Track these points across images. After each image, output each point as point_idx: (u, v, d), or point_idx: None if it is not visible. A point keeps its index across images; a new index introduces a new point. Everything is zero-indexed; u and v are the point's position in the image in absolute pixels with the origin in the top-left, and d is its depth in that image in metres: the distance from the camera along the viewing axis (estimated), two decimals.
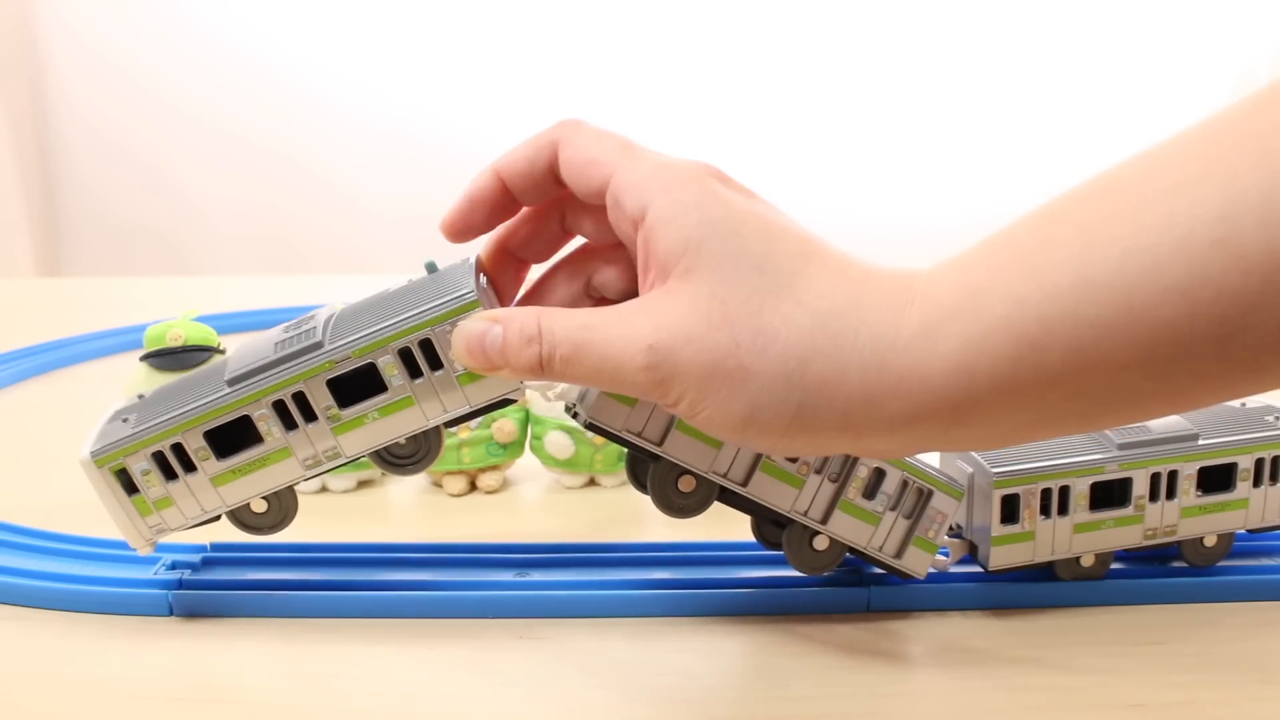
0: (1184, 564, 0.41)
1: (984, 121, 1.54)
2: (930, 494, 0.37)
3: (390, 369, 0.34)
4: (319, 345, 0.34)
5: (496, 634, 0.37)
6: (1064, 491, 0.39)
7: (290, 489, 0.36)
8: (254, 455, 0.35)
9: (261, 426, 0.34)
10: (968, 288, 0.28)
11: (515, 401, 0.35)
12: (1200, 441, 0.39)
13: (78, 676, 0.34)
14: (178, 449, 0.34)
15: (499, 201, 0.35)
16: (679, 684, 0.34)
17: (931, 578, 0.40)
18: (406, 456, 0.36)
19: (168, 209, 1.72)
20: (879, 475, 0.37)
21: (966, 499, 0.39)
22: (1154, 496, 0.39)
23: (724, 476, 0.36)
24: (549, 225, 0.36)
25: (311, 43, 1.65)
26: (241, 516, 0.36)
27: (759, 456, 0.36)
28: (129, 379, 0.50)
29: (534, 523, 0.41)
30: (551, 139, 0.34)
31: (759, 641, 0.37)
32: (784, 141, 1.64)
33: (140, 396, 0.38)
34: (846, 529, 0.37)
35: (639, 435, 0.35)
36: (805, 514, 0.37)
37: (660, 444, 0.35)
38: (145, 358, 0.49)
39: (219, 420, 0.34)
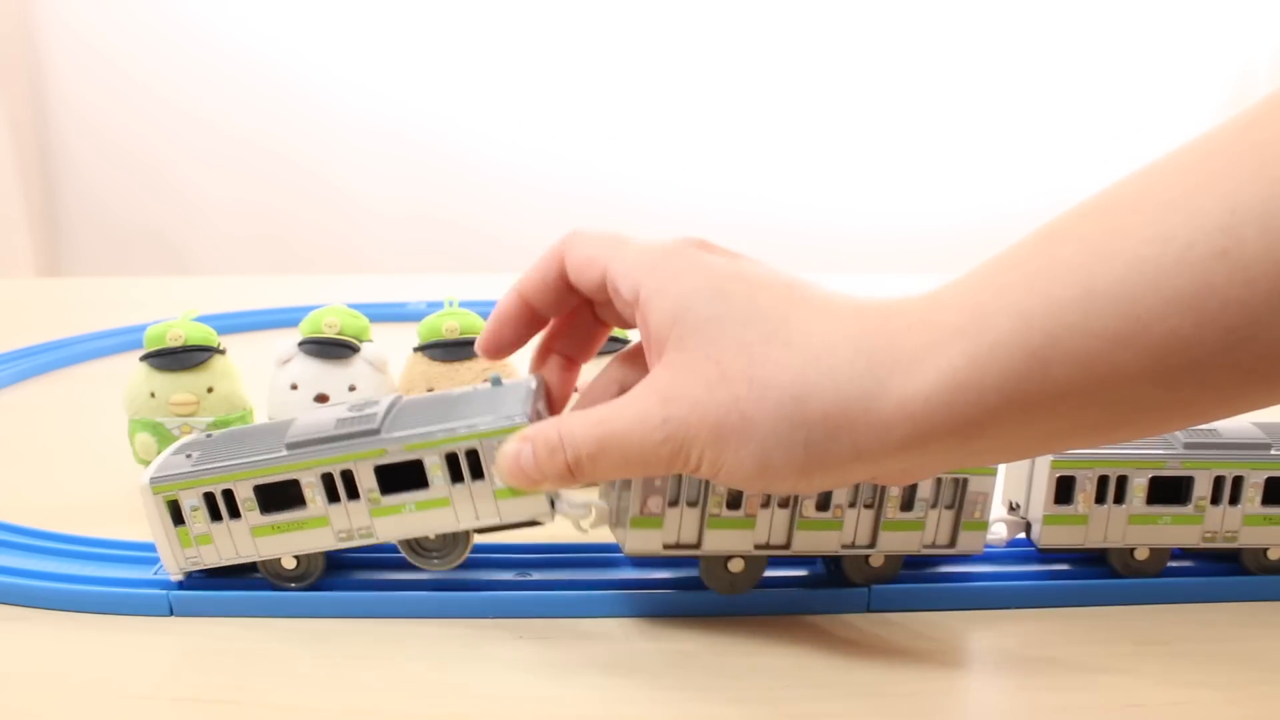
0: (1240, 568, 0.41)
1: (985, 122, 1.54)
2: (965, 480, 0.38)
3: (435, 469, 0.36)
4: (375, 432, 0.36)
5: (496, 634, 0.37)
6: (1122, 481, 0.39)
7: (321, 554, 0.38)
8: (294, 517, 0.37)
9: (307, 493, 0.37)
10: (971, 308, 0.29)
11: (542, 524, 0.37)
12: (1272, 451, 0.39)
13: (78, 677, 0.34)
14: (228, 495, 0.37)
15: (525, 317, 0.38)
16: (679, 684, 0.34)
17: (934, 577, 0.40)
18: (433, 551, 0.38)
19: (168, 209, 1.72)
20: (911, 487, 0.37)
21: (1027, 479, 0.40)
22: (1216, 499, 0.39)
23: (767, 547, 0.37)
24: (583, 323, 0.39)
25: (311, 43, 1.65)
26: (270, 567, 0.38)
27: (793, 518, 0.37)
28: (129, 379, 0.50)
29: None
30: (558, 251, 0.36)
31: (759, 641, 0.37)
32: (786, 143, 1.64)
33: (208, 435, 0.41)
34: (897, 543, 0.38)
35: (677, 546, 0.37)
36: (853, 546, 0.38)
37: (699, 545, 0.37)
38: (145, 358, 0.49)
39: (270, 478, 0.37)
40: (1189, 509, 0.39)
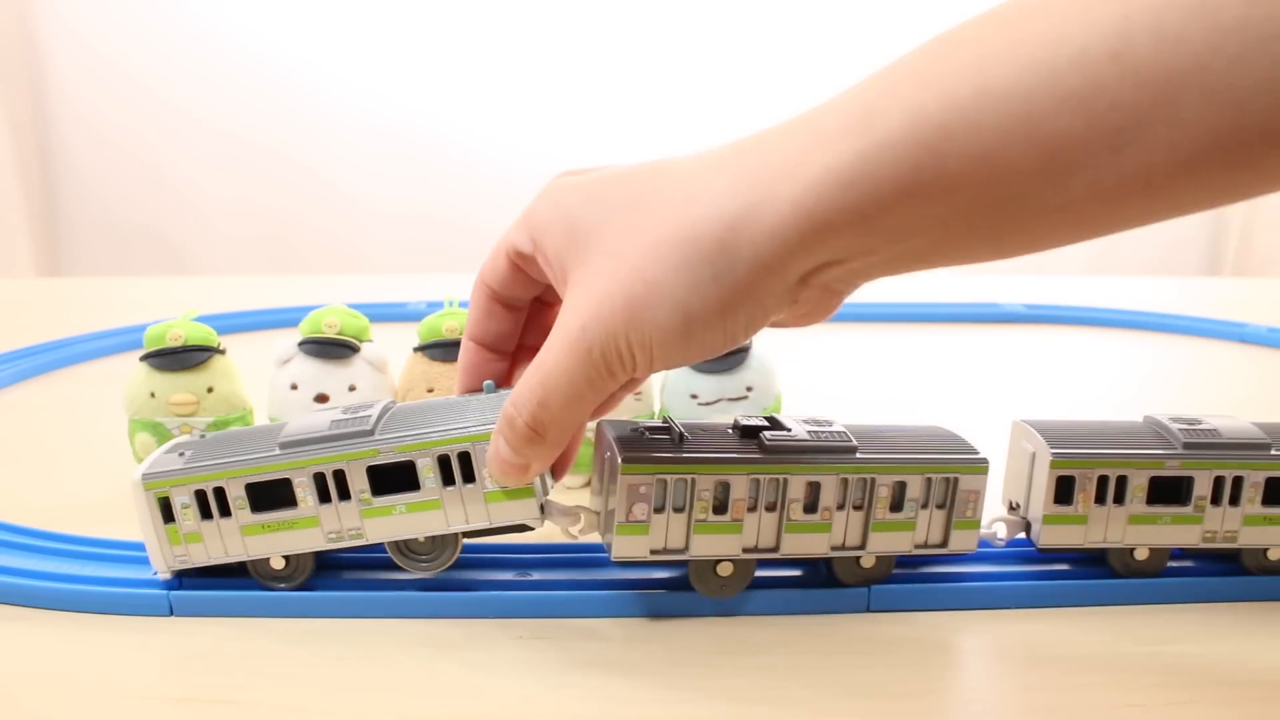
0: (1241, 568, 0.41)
1: None
2: (957, 480, 0.38)
3: (427, 470, 0.36)
4: (369, 433, 0.36)
5: (496, 634, 0.37)
6: (1121, 481, 0.39)
7: (311, 554, 0.38)
8: (284, 516, 0.37)
9: (299, 492, 0.37)
10: (857, 109, 0.29)
11: (532, 529, 0.38)
12: (1272, 452, 0.39)
13: (78, 676, 0.34)
14: (219, 492, 0.37)
15: (486, 360, 0.39)
16: (678, 684, 0.34)
17: (934, 577, 0.40)
18: (422, 554, 0.38)
19: (168, 209, 1.72)
20: (900, 487, 0.37)
21: (1026, 479, 0.40)
22: (1216, 499, 0.39)
23: (755, 550, 0.37)
24: (540, 319, 0.40)
25: (311, 43, 1.65)
26: (258, 567, 0.38)
27: (781, 521, 0.37)
28: (129, 379, 0.50)
29: None
30: (479, 282, 0.38)
31: (758, 641, 0.37)
32: None
33: (203, 435, 0.41)
34: (888, 543, 0.38)
35: (665, 551, 0.37)
36: (843, 548, 0.38)
37: (686, 550, 0.37)
38: (145, 358, 0.49)
39: (261, 476, 0.37)
40: (1189, 509, 0.39)
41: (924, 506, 0.38)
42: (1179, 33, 0.25)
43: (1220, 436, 0.39)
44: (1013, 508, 0.41)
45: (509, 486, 0.36)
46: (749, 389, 0.50)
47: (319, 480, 0.36)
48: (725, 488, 0.36)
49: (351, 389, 0.49)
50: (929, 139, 0.27)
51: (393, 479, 0.37)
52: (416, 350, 0.51)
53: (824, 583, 0.39)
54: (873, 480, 0.37)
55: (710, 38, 1.64)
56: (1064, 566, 0.41)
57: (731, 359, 0.49)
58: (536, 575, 0.40)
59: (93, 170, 1.70)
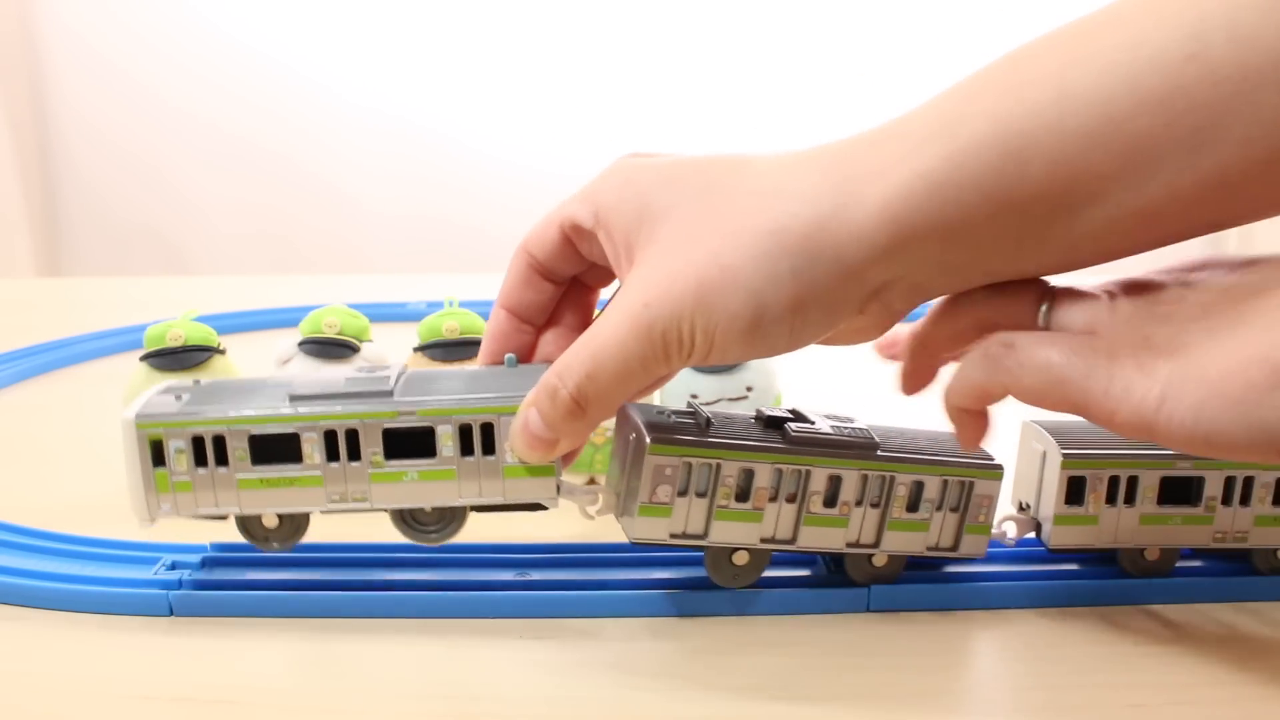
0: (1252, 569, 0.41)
1: None
2: (972, 484, 0.38)
3: (446, 438, 0.35)
4: (389, 394, 0.35)
5: (497, 633, 0.37)
6: (1132, 481, 0.39)
7: (306, 515, 0.36)
8: (287, 473, 0.35)
9: (306, 449, 0.35)
10: (941, 116, 0.29)
11: (546, 509, 0.36)
12: None
13: (78, 677, 0.34)
14: (219, 441, 0.35)
15: (514, 329, 0.38)
16: (678, 684, 0.34)
17: (934, 578, 0.40)
18: (427, 525, 0.37)
19: (168, 209, 1.72)
20: (918, 487, 0.37)
21: (1037, 478, 0.40)
22: (1227, 500, 0.39)
23: (773, 541, 0.37)
24: (574, 299, 0.39)
25: (311, 43, 1.65)
26: (250, 525, 0.36)
27: (800, 513, 0.37)
28: (129, 379, 0.50)
29: (534, 523, 0.42)
30: (521, 249, 0.37)
31: (759, 641, 0.37)
32: (785, 143, 1.64)
33: (196, 382, 0.38)
34: (901, 543, 0.38)
35: (684, 535, 0.36)
36: (858, 545, 0.38)
37: (706, 536, 0.36)
38: (145, 358, 0.49)
39: (270, 429, 0.35)
40: (1200, 509, 0.39)
41: (939, 509, 0.38)
42: (1253, 32, 0.25)
43: None
44: (1022, 508, 0.41)
45: (532, 462, 0.34)
46: (749, 389, 0.50)
47: (329, 438, 0.35)
48: (749, 475, 0.36)
49: None
50: (1012, 144, 0.28)
51: (407, 444, 0.35)
52: (416, 350, 0.51)
53: (825, 582, 0.39)
54: (892, 478, 0.37)
55: (711, 37, 1.64)
56: (1069, 566, 0.41)
57: None
58: (536, 575, 0.40)
59: (93, 170, 1.70)
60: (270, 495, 0.35)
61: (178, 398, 0.36)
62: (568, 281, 0.38)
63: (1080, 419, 0.41)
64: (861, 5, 1.63)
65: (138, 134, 1.68)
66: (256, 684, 0.34)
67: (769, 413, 0.38)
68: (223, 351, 0.50)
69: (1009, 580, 0.40)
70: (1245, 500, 0.39)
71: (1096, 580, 0.40)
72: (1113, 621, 0.38)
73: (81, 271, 1.73)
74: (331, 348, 0.49)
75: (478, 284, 0.88)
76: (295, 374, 0.48)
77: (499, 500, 0.36)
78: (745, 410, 0.49)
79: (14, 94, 1.61)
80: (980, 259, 0.30)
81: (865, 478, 0.37)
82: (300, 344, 0.50)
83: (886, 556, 0.39)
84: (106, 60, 1.65)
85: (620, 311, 0.31)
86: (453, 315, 0.51)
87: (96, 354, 0.75)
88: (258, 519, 0.36)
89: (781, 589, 0.39)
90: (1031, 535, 0.41)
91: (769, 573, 0.39)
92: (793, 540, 0.37)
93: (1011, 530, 0.40)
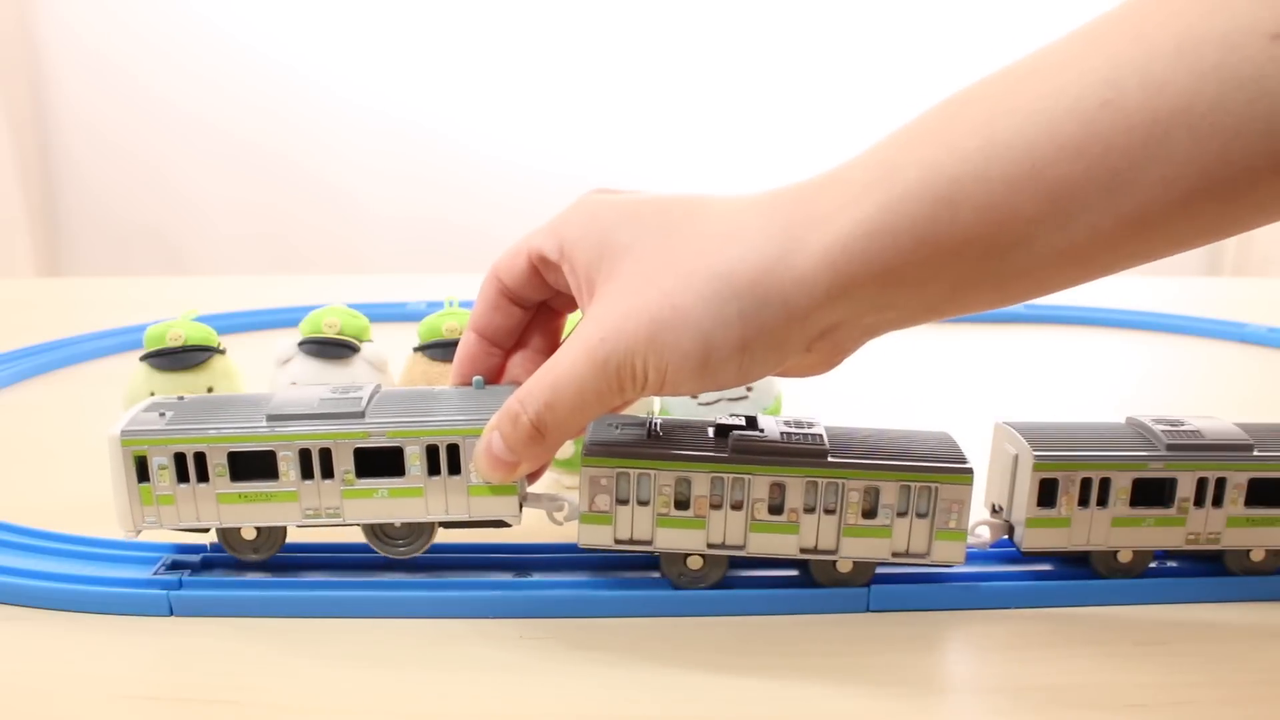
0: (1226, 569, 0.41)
1: None
2: (937, 489, 0.37)
3: (414, 458, 0.37)
4: (360, 415, 0.37)
5: (497, 634, 0.37)
6: (1105, 483, 0.39)
7: (283, 528, 0.38)
8: (263, 488, 0.37)
9: (282, 466, 0.37)
10: (880, 164, 0.31)
11: (510, 526, 0.38)
12: (1255, 453, 0.39)
13: (77, 676, 0.34)
14: (200, 457, 0.37)
15: (485, 352, 0.40)
16: (678, 683, 0.34)
17: (935, 577, 0.40)
18: (397, 539, 0.39)
19: (168, 209, 1.72)
20: (874, 493, 0.37)
21: (1010, 481, 0.40)
22: (1199, 501, 0.39)
23: (722, 547, 0.37)
24: (542, 323, 0.41)
25: (311, 43, 1.65)
26: (229, 537, 0.38)
27: (747, 520, 0.37)
28: (129, 379, 0.50)
29: (534, 523, 0.42)
30: (491, 275, 0.39)
31: (759, 641, 0.37)
32: (785, 142, 1.64)
33: (180, 398, 0.40)
34: (861, 549, 0.38)
35: (631, 541, 0.37)
36: (816, 550, 0.38)
37: (652, 542, 0.37)
38: (145, 358, 0.49)
39: (247, 446, 0.37)
40: (1172, 511, 0.39)
41: (902, 515, 0.38)
42: (1163, 78, 0.27)
43: (1203, 438, 0.39)
44: (995, 510, 0.41)
45: (494, 482, 0.36)
46: (749, 388, 0.50)
47: (304, 456, 0.37)
48: (687, 484, 0.37)
49: None
50: (943, 191, 0.29)
51: (378, 462, 0.37)
52: (416, 350, 0.51)
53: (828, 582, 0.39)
54: (843, 484, 0.37)
55: (708, 40, 1.64)
56: (1046, 567, 0.41)
57: None
58: (537, 575, 0.40)
59: (93, 170, 1.70)
60: (248, 509, 0.37)
61: (161, 415, 0.38)
62: (535, 306, 0.40)
63: (1055, 419, 0.41)
64: (864, 9, 1.63)
65: (138, 134, 1.68)
66: (256, 684, 0.34)
67: (722, 421, 0.38)
68: (223, 351, 0.50)
69: (1008, 581, 0.40)
70: (1218, 502, 0.39)
71: (1094, 581, 0.40)
72: (1112, 621, 0.38)
73: (81, 271, 1.73)
74: (331, 348, 0.49)
75: (478, 284, 0.88)
76: (294, 377, 0.48)
77: (464, 517, 0.37)
78: (746, 409, 0.49)
79: (14, 94, 1.61)
80: (920, 298, 0.31)
81: (813, 484, 0.37)
82: (300, 344, 0.50)
83: (851, 563, 0.38)
84: (106, 60, 1.65)
85: (579, 344, 0.33)
86: (453, 315, 0.51)
87: (97, 354, 0.75)
88: (237, 531, 0.38)
89: (780, 589, 0.39)
90: (1006, 538, 0.40)
91: (768, 573, 0.39)
92: (742, 547, 0.37)
93: (985, 533, 0.40)
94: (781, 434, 0.37)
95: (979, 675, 0.35)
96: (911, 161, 0.30)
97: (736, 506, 0.37)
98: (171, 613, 0.37)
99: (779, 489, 0.37)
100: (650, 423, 0.38)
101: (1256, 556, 0.40)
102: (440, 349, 0.50)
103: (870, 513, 0.37)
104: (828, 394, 0.67)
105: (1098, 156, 0.27)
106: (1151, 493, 0.39)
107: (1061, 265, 0.30)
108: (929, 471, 0.37)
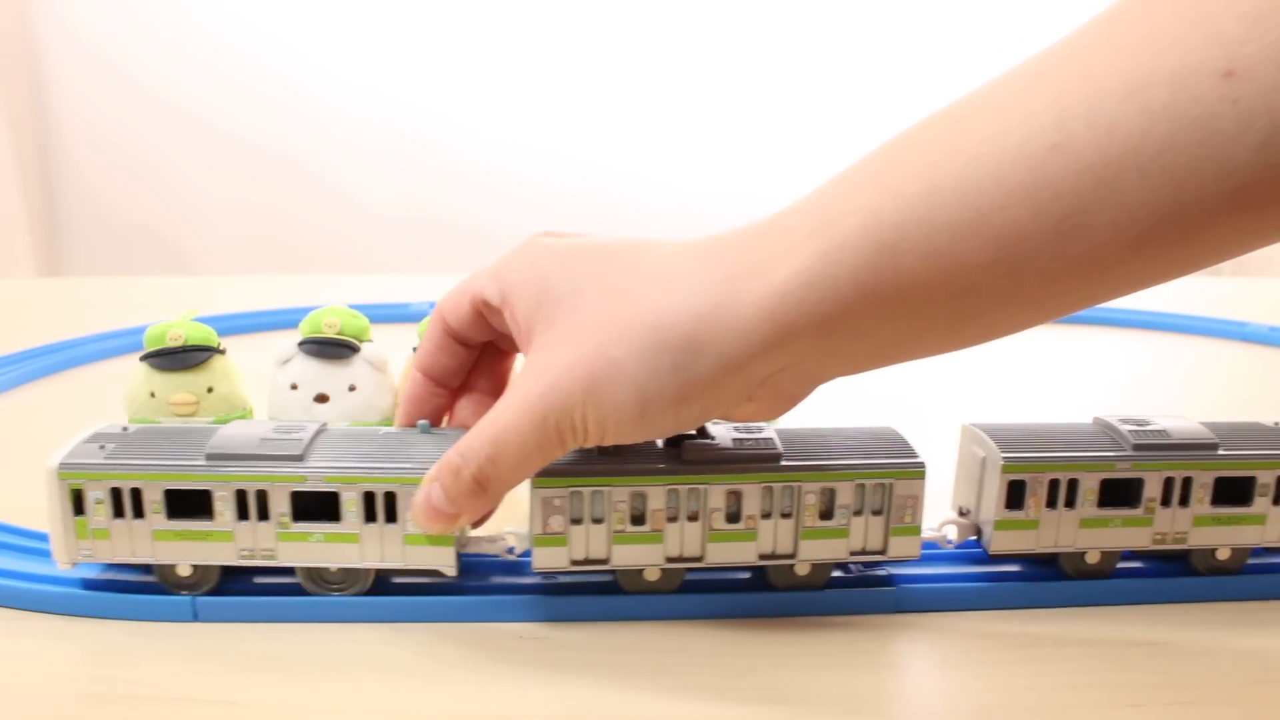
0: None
1: None
2: (892, 485, 0.37)
3: (350, 504, 0.36)
4: (299, 458, 0.36)
5: (498, 635, 0.37)
6: (1072, 484, 0.38)
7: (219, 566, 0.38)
8: (199, 527, 0.36)
9: (218, 506, 0.36)
10: (821, 211, 0.30)
11: (447, 577, 0.38)
12: (1220, 451, 0.39)
13: (76, 677, 0.34)
14: (135, 493, 0.36)
15: (432, 391, 0.40)
16: (679, 684, 0.34)
17: (952, 577, 0.40)
18: (333, 582, 0.38)
19: (168, 209, 1.72)
20: (830, 494, 0.37)
21: (977, 483, 0.40)
22: (1166, 501, 0.39)
23: (680, 560, 0.37)
24: (490, 363, 0.41)
25: (311, 43, 1.65)
26: (164, 572, 0.37)
27: (704, 531, 0.37)
28: (129, 380, 0.50)
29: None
30: (437, 315, 0.38)
31: (760, 643, 0.37)
32: (784, 142, 1.64)
33: (125, 429, 0.39)
34: (820, 551, 0.38)
35: (587, 562, 0.37)
36: (773, 556, 0.37)
37: (609, 560, 0.37)
38: (145, 357, 0.49)
39: (182, 485, 0.36)
40: (1139, 511, 0.39)
41: (858, 513, 0.37)
42: (1111, 119, 0.26)
43: (1170, 437, 0.39)
44: (963, 513, 0.41)
45: (432, 533, 0.35)
46: None
47: (240, 497, 0.36)
48: (642, 498, 0.36)
49: (351, 389, 0.49)
50: (885, 238, 0.28)
51: (314, 507, 0.36)
52: (416, 350, 0.51)
53: (851, 583, 0.39)
54: (799, 488, 0.37)
55: (708, 39, 1.64)
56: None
57: None
58: (537, 579, 0.39)
59: (93, 170, 1.70)
60: (183, 548, 0.37)
61: (101, 447, 0.37)
62: (481, 346, 0.40)
63: (1022, 421, 0.41)
64: (867, 11, 1.63)
65: (138, 134, 1.68)
66: (256, 684, 0.34)
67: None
68: (223, 351, 0.50)
69: (1030, 579, 0.40)
70: (1184, 501, 0.39)
71: (1097, 581, 0.40)
72: (1112, 620, 0.38)
73: (81, 271, 1.73)
74: (331, 348, 0.49)
75: None
76: (294, 377, 0.48)
77: (400, 565, 0.37)
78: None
79: (14, 94, 1.61)
80: (865, 347, 0.31)
81: (769, 490, 0.37)
82: (300, 344, 0.50)
83: (810, 565, 0.38)
84: (106, 60, 1.65)
85: (520, 398, 0.33)
86: None
87: (100, 355, 0.75)
88: (171, 568, 0.37)
89: (807, 590, 0.39)
90: (974, 538, 0.40)
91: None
92: (701, 558, 0.37)
93: (952, 534, 0.40)
94: (734, 440, 0.37)
95: (979, 675, 0.35)
96: (852, 209, 0.29)
97: (693, 517, 0.37)
98: (196, 618, 0.37)
99: (735, 496, 0.37)
100: None
101: (1222, 555, 0.40)
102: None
103: (827, 514, 0.37)
104: (827, 394, 0.67)
105: (1047, 201, 0.27)
106: (1119, 493, 0.39)
107: (1012, 310, 0.29)
108: (883, 469, 0.37)
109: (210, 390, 0.49)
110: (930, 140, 0.29)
